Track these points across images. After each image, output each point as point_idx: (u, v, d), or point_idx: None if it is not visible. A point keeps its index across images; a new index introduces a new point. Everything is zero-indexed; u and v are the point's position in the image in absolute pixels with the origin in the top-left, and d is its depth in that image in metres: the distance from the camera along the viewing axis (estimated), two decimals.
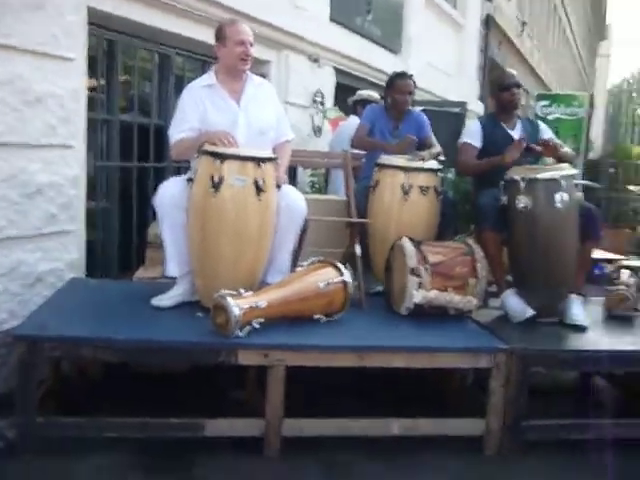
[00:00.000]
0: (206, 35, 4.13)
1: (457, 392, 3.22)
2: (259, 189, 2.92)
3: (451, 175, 6.94)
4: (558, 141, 3.68)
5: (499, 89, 3.83)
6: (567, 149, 3.66)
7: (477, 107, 10.86)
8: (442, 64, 10.38)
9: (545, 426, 2.94)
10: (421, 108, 6.49)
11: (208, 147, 2.94)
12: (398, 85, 4.05)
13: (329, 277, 3.00)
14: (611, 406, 3.59)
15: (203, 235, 2.95)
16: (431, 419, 2.86)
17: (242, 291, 2.77)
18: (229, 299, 2.67)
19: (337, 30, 6.88)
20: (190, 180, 3.02)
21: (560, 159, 3.52)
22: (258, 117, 3.23)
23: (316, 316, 2.99)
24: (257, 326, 2.73)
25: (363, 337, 2.90)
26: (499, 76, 3.99)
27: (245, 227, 2.92)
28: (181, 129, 3.13)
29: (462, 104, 7.71)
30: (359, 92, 5.74)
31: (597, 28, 44.34)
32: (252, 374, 3.00)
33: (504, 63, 14.25)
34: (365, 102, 5.25)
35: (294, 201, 3.16)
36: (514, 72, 4.00)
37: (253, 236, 2.96)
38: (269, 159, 3.02)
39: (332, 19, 6.61)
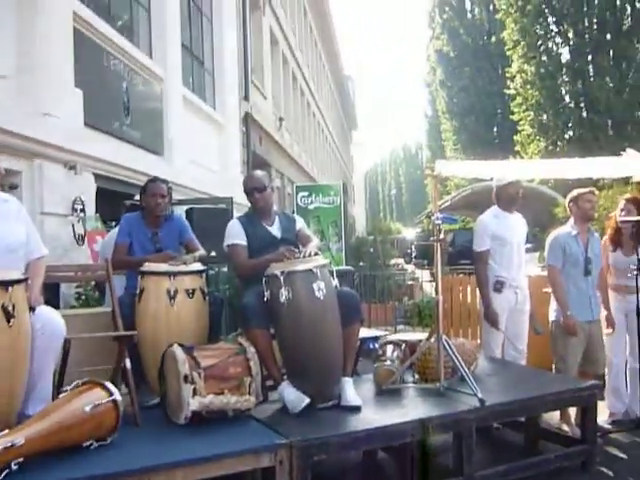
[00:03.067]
0: None
1: None
2: (8, 315, 2.69)
3: (224, 269, 7.04)
4: (311, 242, 3.89)
5: (245, 193, 3.98)
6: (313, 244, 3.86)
7: (246, 201, 11.26)
8: (207, 162, 10.70)
9: None
10: (188, 207, 6.59)
11: None
12: (149, 189, 4.04)
13: (96, 398, 2.82)
14: (393, 478, 3.79)
15: None
16: None
17: None
18: None
19: (94, 135, 6.79)
20: None
21: None
22: (5, 235, 3.02)
23: (86, 443, 2.77)
24: (15, 467, 2.45)
25: (139, 457, 2.73)
26: (244, 180, 4.11)
27: None
28: None
29: (229, 200, 7.94)
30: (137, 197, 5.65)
31: (348, 120, 49.13)
32: None
33: (267, 156, 15.10)
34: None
35: (50, 322, 2.95)
36: (261, 173, 4.14)
37: (5, 367, 2.69)
38: (17, 281, 2.81)
39: (87, 124, 6.51)
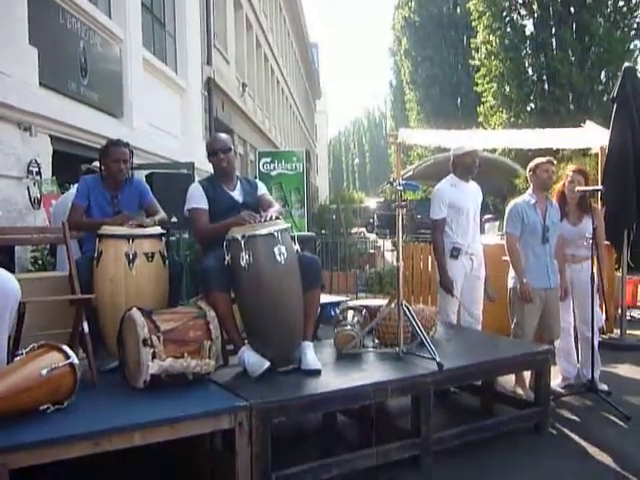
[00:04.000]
0: None
1: (208, 457, 3.15)
2: None
3: (186, 235, 6.98)
4: (273, 207, 3.86)
5: (208, 154, 3.91)
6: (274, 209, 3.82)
7: (207, 166, 11.11)
8: (168, 126, 10.50)
9: (294, 474, 3.01)
10: (149, 171, 6.47)
11: None
12: (112, 153, 3.92)
13: (53, 362, 2.76)
14: (352, 441, 3.83)
15: None
16: None
17: None
18: None
19: (49, 95, 6.59)
20: None
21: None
22: None
23: (42, 407, 2.73)
24: None
25: (97, 420, 2.70)
26: (208, 141, 4.07)
27: None
28: None
29: (190, 165, 7.84)
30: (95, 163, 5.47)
31: (312, 88, 48.67)
32: None
33: (229, 122, 14.89)
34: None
35: (4, 284, 2.87)
36: (225, 136, 4.09)
37: None
38: None
39: (42, 84, 6.31)
